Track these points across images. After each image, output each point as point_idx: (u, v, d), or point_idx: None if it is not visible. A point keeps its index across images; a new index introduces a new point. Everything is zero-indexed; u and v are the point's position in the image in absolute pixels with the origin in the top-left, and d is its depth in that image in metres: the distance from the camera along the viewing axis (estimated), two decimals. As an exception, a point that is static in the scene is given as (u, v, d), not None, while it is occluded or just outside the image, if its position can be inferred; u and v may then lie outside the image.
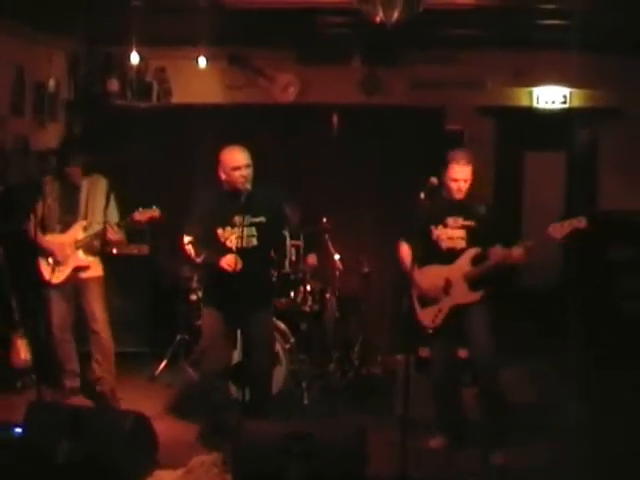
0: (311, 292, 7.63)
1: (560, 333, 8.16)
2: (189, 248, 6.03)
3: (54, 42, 8.53)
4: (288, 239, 7.37)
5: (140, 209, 6.47)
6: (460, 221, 5.94)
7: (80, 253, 6.71)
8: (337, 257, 7.81)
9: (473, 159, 5.92)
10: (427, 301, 6.07)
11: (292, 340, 7.24)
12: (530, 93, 9.23)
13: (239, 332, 6.18)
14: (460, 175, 5.86)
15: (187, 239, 6.04)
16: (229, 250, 5.88)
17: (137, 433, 5.33)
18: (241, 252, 5.83)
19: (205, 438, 6.14)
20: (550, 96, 9.19)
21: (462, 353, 6.43)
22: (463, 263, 5.94)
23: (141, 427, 5.43)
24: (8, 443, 5.34)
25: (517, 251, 5.70)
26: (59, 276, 6.69)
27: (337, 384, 7.56)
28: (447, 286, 5.97)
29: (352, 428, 5.24)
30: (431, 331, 6.10)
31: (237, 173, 5.92)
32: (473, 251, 5.92)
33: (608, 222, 8.76)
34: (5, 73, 7.72)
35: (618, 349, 8.10)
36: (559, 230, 5.59)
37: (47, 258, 6.69)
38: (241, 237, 5.86)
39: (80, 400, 6.87)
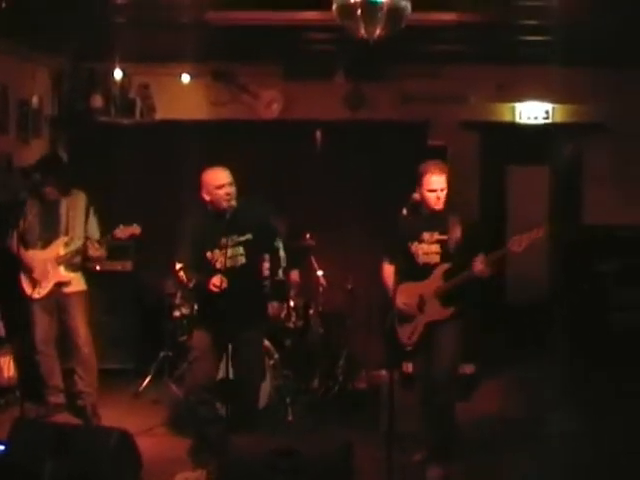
0: (295, 308, 7.62)
1: (547, 344, 8.18)
2: (181, 275, 6.03)
3: (38, 59, 8.51)
4: (282, 250, 7.30)
5: (121, 226, 6.51)
6: (435, 235, 5.87)
7: (62, 269, 6.72)
8: (320, 273, 7.82)
9: (446, 169, 5.93)
10: (404, 319, 6.04)
11: (276, 356, 7.19)
12: (513, 109, 9.27)
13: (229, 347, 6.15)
14: (437, 185, 5.80)
15: (178, 266, 6.03)
16: (219, 271, 5.86)
17: (121, 450, 5.29)
18: (230, 272, 5.83)
19: (195, 453, 6.09)
20: (532, 112, 9.23)
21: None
22: (435, 278, 5.88)
23: (125, 444, 5.39)
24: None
25: (478, 265, 5.65)
26: (41, 291, 6.72)
27: (321, 399, 7.54)
28: (421, 303, 5.94)
29: (338, 443, 5.21)
30: (410, 348, 6.08)
31: (221, 191, 5.90)
32: (445, 266, 5.86)
33: (594, 236, 8.82)
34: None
35: (606, 360, 8.15)
36: (518, 243, 5.57)
37: (29, 274, 6.71)
38: (228, 257, 5.86)
39: (65, 417, 6.84)
